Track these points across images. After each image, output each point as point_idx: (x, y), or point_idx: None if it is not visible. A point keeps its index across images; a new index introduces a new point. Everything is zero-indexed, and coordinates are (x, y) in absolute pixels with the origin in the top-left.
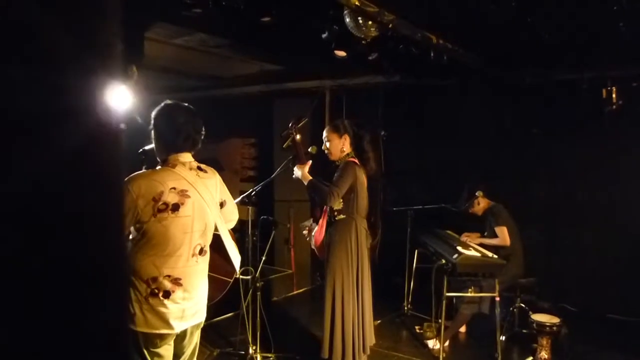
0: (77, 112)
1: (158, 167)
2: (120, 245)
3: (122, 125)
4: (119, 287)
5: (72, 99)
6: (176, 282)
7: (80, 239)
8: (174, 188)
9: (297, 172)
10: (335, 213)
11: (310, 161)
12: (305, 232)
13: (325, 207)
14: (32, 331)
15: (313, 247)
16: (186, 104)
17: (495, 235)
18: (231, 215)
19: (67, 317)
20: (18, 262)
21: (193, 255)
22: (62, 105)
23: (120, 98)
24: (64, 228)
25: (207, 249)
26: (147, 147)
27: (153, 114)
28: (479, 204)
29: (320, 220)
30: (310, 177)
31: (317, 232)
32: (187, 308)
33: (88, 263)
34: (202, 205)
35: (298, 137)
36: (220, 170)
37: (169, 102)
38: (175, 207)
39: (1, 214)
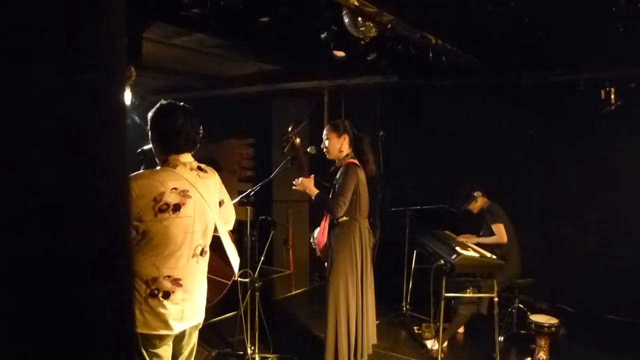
0: (80, 112)
1: (158, 168)
2: (125, 244)
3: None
4: (124, 286)
5: (74, 99)
6: (176, 282)
7: (84, 238)
8: (175, 188)
9: (303, 186)
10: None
11: (313, 175)
12: (312, 240)
13: None
14: (34, 331)
15: (317, 251)
16: (182, 104)
17: (491, 234)
18: (229, 216)
19: (70, 317)
20: (21, 262)
21: (193, 255)
22: (65, 105)
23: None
24: (67, 227)
25: (208, 249)
26: (145, 147)
27: (150, 115)
28: (476, 202)
29: (322, 223)
30: (317, 191)
31: (319, 234)
32: (186, 309)
33: (93, 262)
34: (203, 206)
35: (298, 141)
36: (218, 170)
37: (164, 102)
38: (177, 208)
39: (5, 212)
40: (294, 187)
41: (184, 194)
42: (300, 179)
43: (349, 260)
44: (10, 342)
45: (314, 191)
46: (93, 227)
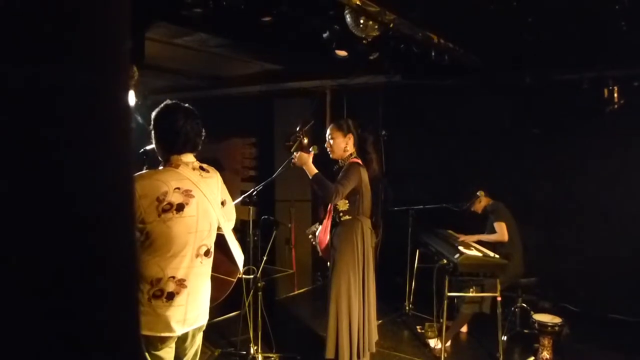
0: (84, 113)
1: (160, 167)
2: (130, 247)
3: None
4: (129, 290)
5: (77, 100)
6: (180, 283)
7: (88, 240)
8: (178, 188)
9: (302, 160)
10: (341, 214)
11: (312, 152)
12: (310, 236)
13: (329, 208)
14: (38, 335)
15: (318, 250)
16: (187, 105)
17: (494, 232)
18: (230, 216)
19: (74, 321)
20: (25, 265)
21: (197, 256)
22: (68, 106)
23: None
24: (70, 230)
25: (212, 250)
26: (148, 147)
27: (153, 115)
28: (480, 202)
29: (325, 222)
30: (316, 170)
31: (321, 233)
32: (189, 311)
33: (97, 266)
34: (206, 205)
35: (305, 140)
36: (220, 170)
37: (169, 102)
38: (180, 207)
39: (8, 216)
40: (292, 161)
41: (187, 193)
42: (299, 153)
43: (351, 259)
44: (15, 344)
45: (312, 169)
46: (97, 230)
